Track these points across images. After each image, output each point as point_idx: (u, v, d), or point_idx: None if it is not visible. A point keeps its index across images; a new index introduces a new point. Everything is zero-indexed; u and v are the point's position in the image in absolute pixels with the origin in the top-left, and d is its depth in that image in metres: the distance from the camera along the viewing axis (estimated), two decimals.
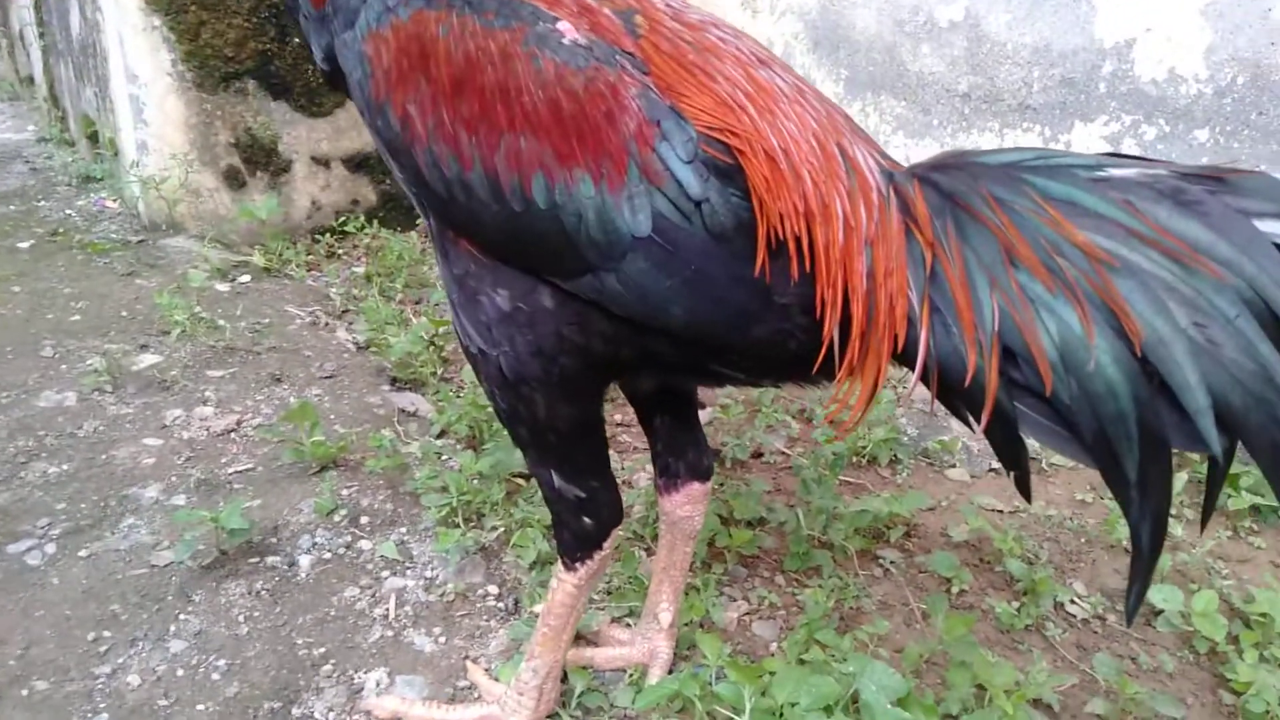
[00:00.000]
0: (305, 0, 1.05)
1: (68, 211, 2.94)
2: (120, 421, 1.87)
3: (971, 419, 0.92)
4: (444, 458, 1.86)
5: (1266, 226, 0.82)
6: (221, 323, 2.19)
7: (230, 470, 1.74)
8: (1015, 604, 1.60)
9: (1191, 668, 1.50)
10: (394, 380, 2.15)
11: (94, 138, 3.19)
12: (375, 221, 3.10)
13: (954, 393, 0.92)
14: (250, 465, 1.75)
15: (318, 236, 3.00)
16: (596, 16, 0.93)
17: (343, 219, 3.07)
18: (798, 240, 0.92)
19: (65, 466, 1.71)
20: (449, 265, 1.00)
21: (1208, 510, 0.90)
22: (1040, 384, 0.86)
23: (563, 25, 0.91)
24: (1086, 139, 2.42)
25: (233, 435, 1.85)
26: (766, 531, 1.72)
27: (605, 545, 1.14)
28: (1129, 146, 2.34)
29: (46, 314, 2.29)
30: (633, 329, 0.97)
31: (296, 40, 2.82)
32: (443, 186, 0.94)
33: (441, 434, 1.95)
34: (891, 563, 1.68)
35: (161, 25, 2.62)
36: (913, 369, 0.92)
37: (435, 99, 0.91)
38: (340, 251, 2.98)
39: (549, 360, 0.98)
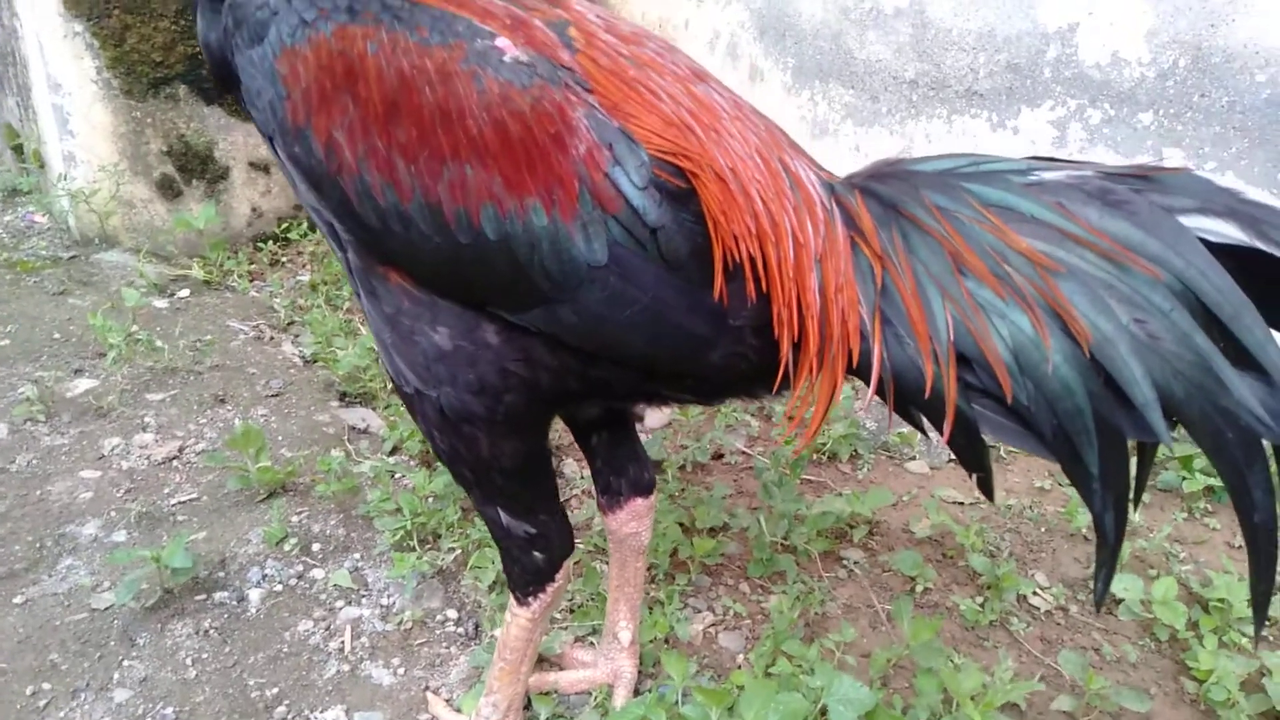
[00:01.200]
0: None
1: None
2: (55, 453, 1.79)
3: (932, 427, 0.91)
4: (397, 475, 1.81)
5: (1191, 221, 0.84)
6: (160, 344, 2.11)
7: (173, 501, 1.67)
8: (979, 599, 1.60)
9: (1154, 656, 1.51)
10: (343, 395, 2.09)
11: (19, 149, 3.06)
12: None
13: (913, 403, 0.91)
14: (194, 495, 1.69)
15: (260, 244, 2.91)
16: (530, 30, 0.89)
17: (285, 225, 2.98)
18: (752, 261, 0.89)
19: None
20: (378, 304, 0.95)
21: (1139, 491, 0.92)
22: (998, 388, 0.86)
23: (501, 41, 0.86)
24: (1033, 124, 2.42)
25: (175, 463, 1.78)
26: (730, 536, 1.70)
27: (558, 577, 1.10)
28: (1075, 131, 2.34)
29: None
30: (583, 360, 0.93)
31: None
32: (376, 218, 0.89)
33: (394, 450, 1.90)
34: (855, 563, 1.67)
35: (83, 31, 2.51)
36: (868, 382, 0.91)
37: (366, 123, 0.85)
38: (284, 259, 2.89)
39: (493, 398, 0.94)
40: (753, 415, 2.11)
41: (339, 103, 0.85)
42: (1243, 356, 0.83)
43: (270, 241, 2.93)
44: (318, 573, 1.53)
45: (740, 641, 1.47)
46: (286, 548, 1.57)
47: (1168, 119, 2.20)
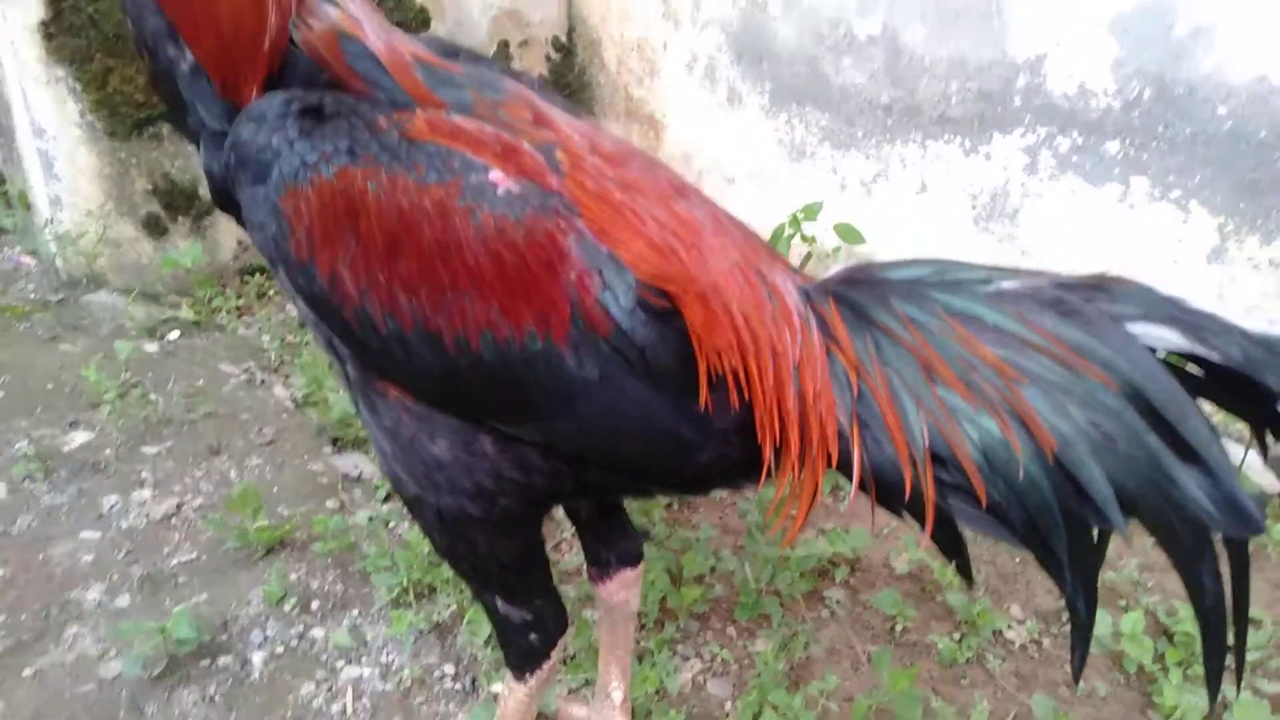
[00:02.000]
0: (208, 111, 1.00)
1: None
2: (55, 513, 1.83)
3: (911, 517, 0.97)
4: (391, 525, 1.86)
5: (1137, 329, 0.90)
6: (154, 396, 2.14)
7: (174, 562, 1.72)
8: (956, 636, 1.67)
9: (1122, 689, 1.58)
10: (335, 440, 2.13)
11: (1, 189, 3.07)
12: None
13: (894, 500, 0.96)
14: (194, 554, 1.73)
15: (246, 277, 2.94)
16: (520, 156, 0.93)
17: None
18: (734, 372, 0.94)
19: (2, 571, 1.67)
20: (378, 417, 1.00)
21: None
22: (971, 487, 0.92)
23: (495, 174, 0.90)
24: (1005, 150, 2.48)
25: (173, 521, 1.82)
26: (716, 578, 1.76)
27: (553, 654, 1.16)
28: (1045, 158, 2.40)
29: None
30: (576, 465, 0.98)
31: None
32: (377, 342, 0.93)
33: (387, 498, 1.95)
34: (838, 602, 1.73)
35: (66, 76, 2.53)
36: (851, 479, 0.97)
37: (368, 259, 0.89)
38: (270, 291, 2.92)
39: (489, 502, 0.99)
40: None
41: (342, 239, 0.89)
42: (1189, 453, 0.89)
43: (256, 274, 2.96)
44: (318, 632, 1.58)
45: (728, 688, 1.54)
46: (286, 607, 1.62)
47: (1134, 148, 2.26)
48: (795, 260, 2.85)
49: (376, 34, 0.96)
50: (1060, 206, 2.40)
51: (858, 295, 0.97)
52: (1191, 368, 0.92)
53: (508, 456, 0.97)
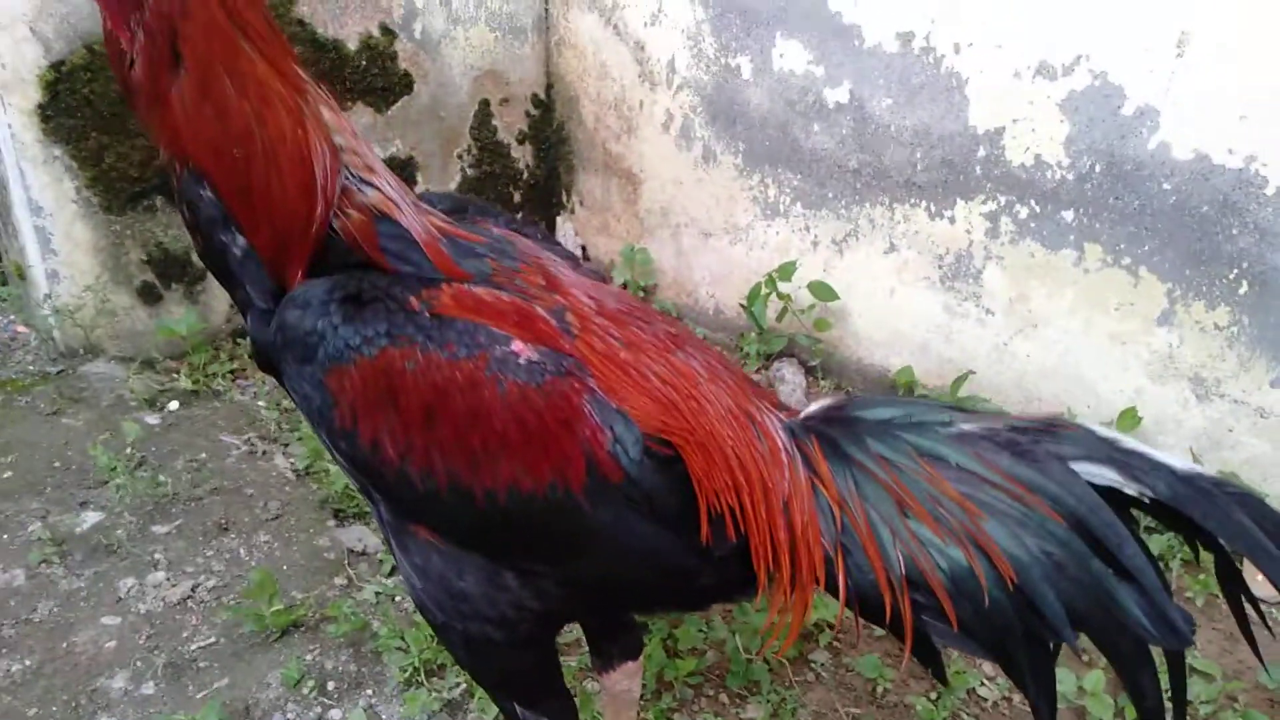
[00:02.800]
0: (256, 291, 1.11)
1: None
2: (74, 599, 1.91)
3: (892, 634, 1.10)
4: (397, 599, 1.96)
5: (1080, 467, 1.03)
6: (162, 478, 2.22)
7: (193, 646, 1.80)
8: (933, 695, 1.80)
9: None
10: (337, 513, 2.22)
11: None
12: None
13: (876, 619, 1.09)
14: (212, 639, 1.82)
15: (238, 339, 3.02)
16: (535, 322, 1.04)
17: None
18: (731, 509, 1.06)
19: (28, 662, 1.75)
20: (409, 555, 1.10)
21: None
22: (942, 609, 1.05)
23: (516, 345, 1.01)
24: (968, 215, 2.62)
25: (189, 603, 1.91)
26: (709, 644, 1.87)
27: None
28: (1006, 223, 2.55)
29: None
30: (590, 593, 1.10)
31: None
32: (412, 496, 1.04)
33: (392, 571, 2.04)
34: (822, 665, 1.85)
35: (63, 155, 2.60)
36: (837, 599, 1.09)
37: (407, 428, 1.00)
38: None
39: (511, 627, 1.10)
40: None
41: (383, 412, 1.00)
42: (1127, 576, 1.02)
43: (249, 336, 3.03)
44: (335, 713, 1.68)
45: None
46: (305, 690, 1.72)
47: (1087, 217, 2.41)
48: (772, 314, 2.97)
49: (410, 213, 1.07)
50: (1021, 268, 2.55)
51: (837, 434, 1.09)
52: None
53: (528, 588, 1.08)
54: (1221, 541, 1.00)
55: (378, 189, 1.06)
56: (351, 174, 1.05)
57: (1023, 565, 1.02)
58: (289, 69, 1.02)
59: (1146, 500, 1.00)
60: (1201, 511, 0.97)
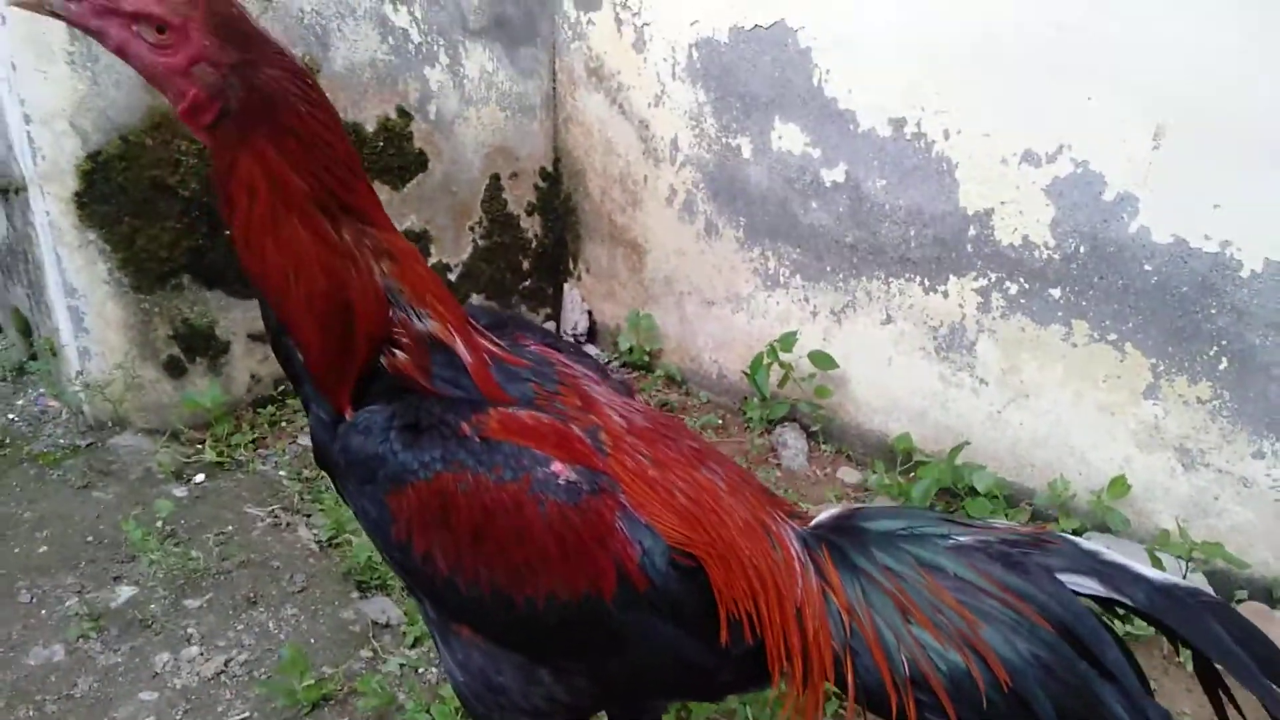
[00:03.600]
0: (325, 404, 1.21)
1: (10, 416, 2.99)
2: (112, 674, 1.99)
3: None
4: (420, 671, 2.04)
5: (1066, 578, 1.13)
6: (194, 553, 2.31)
7: None
8: None
9: None
10: (360, 584, 2.31)
11: (26, 331, 3.23)
12: None
13: (884, 715, 1.18)
14: (246, 713, 1.90)
15: (259, 409, 3.12)
16: (572, 442, 1.15)
17: (281, 387, 3.20)
18: (748, 614, 1.16)
19: None
20: (451, 651, 1.20)
21: None
22: (943, 708, 1.14)
23: (556, 466, 1.12)
24: (961, 290, 2.75)
25: (223, 678, 1.99)
26: (721, 713, 1.95)
27: None
28: (997, 299, 2.67)
29: (14, 547, 2.37)
30: (619, 688, 1.19)
31: (227, 233, 2.94)
32: (458, 601, 1.14)
33: (415, 643, 2.13)
34: None
35: (96, 239, 2.72)
36: (847, 694, 1.19)
37: (457, 545, 1.10)
38: (283, 420, 3.11)
39: (544, 718, 1.19)
40: None
41: (436, 529, 1.10)
42: (1110, 677, 1.12)
43: (269, 405, 3.14)
44: None
45: None
46: None
47: (1074, 295, 2.53)
48: (774, 381, 3.08)
49: (463, 341, 1.18)
50: (1012, 341, 2.67)
51: (845, 544, 1.20)
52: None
53: (561, 683, 1.18)
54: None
55: (434, 319, 1.17)
56: (412, 309, 1.16)
57: (1016, 669, 1.11)
58: (329, 235, 1.10)
59: (1129, 605, 1.10)
60: (1177, 620, 1.07)
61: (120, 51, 1.05)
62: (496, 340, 1.23)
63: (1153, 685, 1.39)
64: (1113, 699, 1.11)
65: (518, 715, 1.19)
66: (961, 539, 1.17)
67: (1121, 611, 1.14)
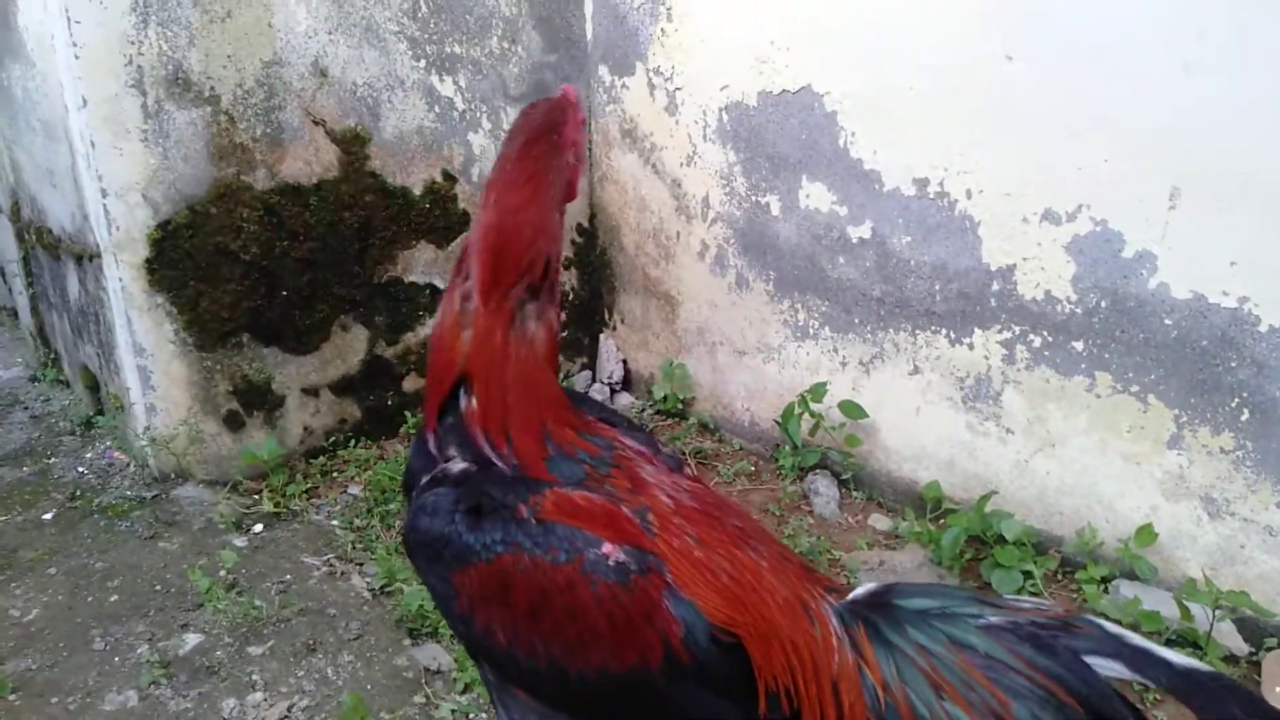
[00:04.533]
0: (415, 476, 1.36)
1: (80, 469, 3.16)
2: (183, 719, 2.11)
3: None
4: (471, 717, 2.14)
5: (1093, 661, 1.19)
6: (259, 601, 2.44)
7: None
8: None
9: None
10: (411, 631, 2.42)
11: (94, 387, 3.42)
12: (362, 436, 3.40)
13: None
14: None
15: (311, 459, 3.27)
16: (620, 522, 1.25)
17: (332, 438, 3.35)
18: (786, 689, 1.25)
19: None
20: (509, 712, 1.31)
21: None
22: None
23: (606, 547, 1.22)
24: (986, 343, 2.84)
25: None
26: None
27: None
28: (1021, 351, 2.75)
29: (87, 597, 2.52)
30: None
31: (284, 293, 3.12)
32: (515, 671, 1.24)
33: (465, 689, 2.23)
34: None
35: (164, 302, 2.90)
36: None
37: (515, 619, 1.21)
38: (333, 471, 3.25)
39: None
40: None
41: (496, 606, 1.21)
42: None
43: (320, 455, 3.29)
44: None
45: None
46: None
47: (1096, 348, 2.61)
48: (805, 430, 3.17)
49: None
50: (1038, 392, 2.75)
51: (880, 620, 1.28)
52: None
53: None
54: None
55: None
56: None
57: None
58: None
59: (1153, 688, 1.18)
60: (1199, 703, 1.14)
61: None
62: (577, 426, 1.35)
63: None
64: None
65: None
66: (992, 619, 1.24)
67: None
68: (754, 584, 1.27)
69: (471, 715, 2.14)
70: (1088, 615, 1.24)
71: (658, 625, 1.20)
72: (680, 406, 3.78)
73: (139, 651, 2.31)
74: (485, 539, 1.21)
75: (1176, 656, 1.18)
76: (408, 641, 2.39)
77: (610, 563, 1.21)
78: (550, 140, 1.37)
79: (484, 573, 1.21)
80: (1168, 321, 2.46)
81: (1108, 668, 1.18)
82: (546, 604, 1.20)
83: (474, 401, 1.31)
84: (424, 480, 1.34)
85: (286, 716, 2.12)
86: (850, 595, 1.34)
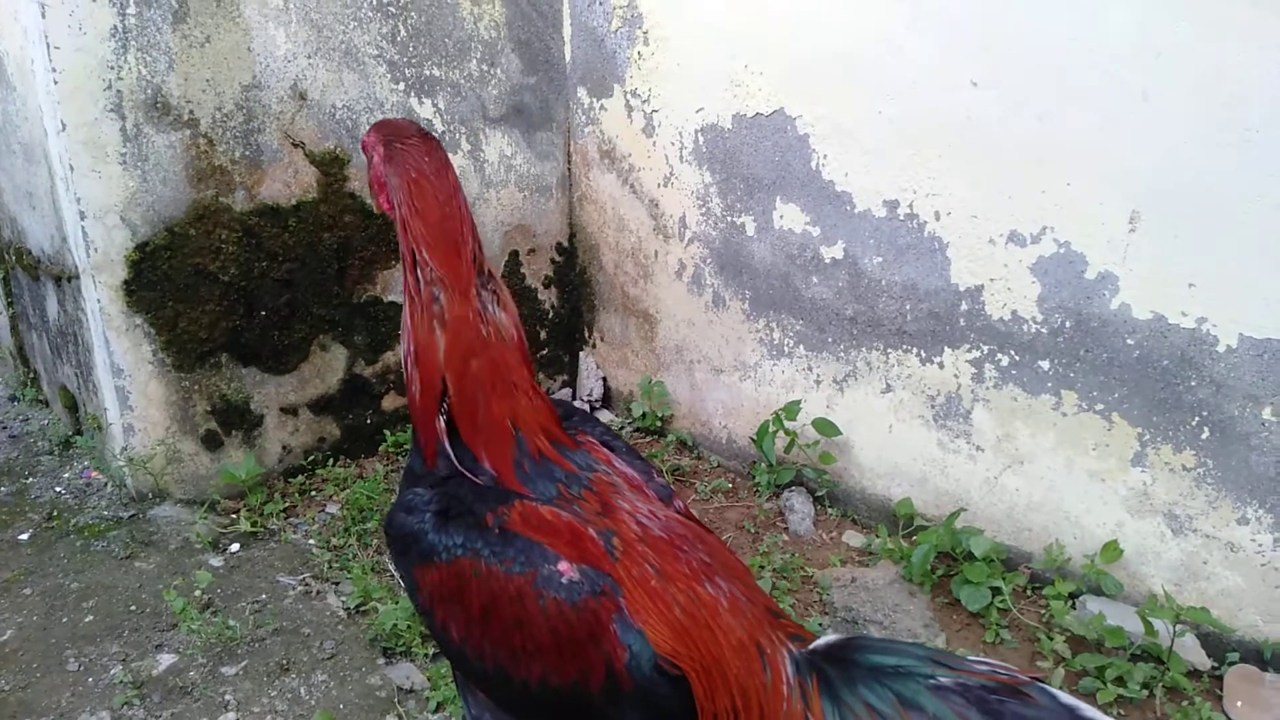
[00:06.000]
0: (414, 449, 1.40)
1: (57, 489, 3.16)
2: None
3: None
4: None
5: None
6: (231, 622, 2.46)
7: None
8: None
9: None
10: (385, 650, 2.44)
11: (72, 407, 3.43)
12: (341, 455, 3.42)
13: None
14: None
15: (290, 479, 3.29)
16: (584, 542, 1.28)
17: (311, 457, 3.37)
18: None
19: None
20: (470, 708, 1.35)
21: None
22: None
23: (562, 565, 1.25)
24: (955, 362, 2.88)
25: None
26: None
27: None
28: (990, 370, 2.80)
29: (61, 617, 2.52)
30: None
31: (263, 313, 3.14)
32: (468, 668, 1.28)
33: (438, 708, 2.25)
34: None
35: (142, 323, 2.92)
36: None
37: (467, 621, 1.25)
38: (312, 490, 3.27)
39: None
40: None
41: (450, 604, 1.26)
42: None
43: (299, 474, 3.31)
44: None
45: None
46: None
47: (1062, 367, 2.66)
48: (780, 447, 3.21)
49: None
50: (1006, 410, 2.79)
51: (834, 675, 1.29)
52: None
53: None
54: None
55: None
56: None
57: None
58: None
59: None
60: None
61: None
62: (556, 437, 1.39)
63: None
64: None
65: None
66: (943, 680, 1.26)
67: None
68: (708, 621, 1.30)
69: None
70: (1042, 684, 1.24)
71: (603, 647, 1.24)
72: (659, 424, 3.81)
73: (113, 672, 2.32)
74: (448, 541, 1.25)
75: None
76: (381, 660, 2.41)
77: (563, 580, 1.24)
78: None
79: (443, 572, 1.25)
80: (1130, 341, 2.51)
81: None
82: (496, 610, 1.24)
83: (446, 411, 1.35)
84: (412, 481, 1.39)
85: None
86: (812, 644, 1.35)
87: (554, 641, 1.23)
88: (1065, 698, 1.22)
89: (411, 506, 1.30)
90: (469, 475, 1.34)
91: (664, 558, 1.32)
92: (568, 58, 3.77)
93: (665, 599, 1.29)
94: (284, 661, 2.38)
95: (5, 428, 3.63)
